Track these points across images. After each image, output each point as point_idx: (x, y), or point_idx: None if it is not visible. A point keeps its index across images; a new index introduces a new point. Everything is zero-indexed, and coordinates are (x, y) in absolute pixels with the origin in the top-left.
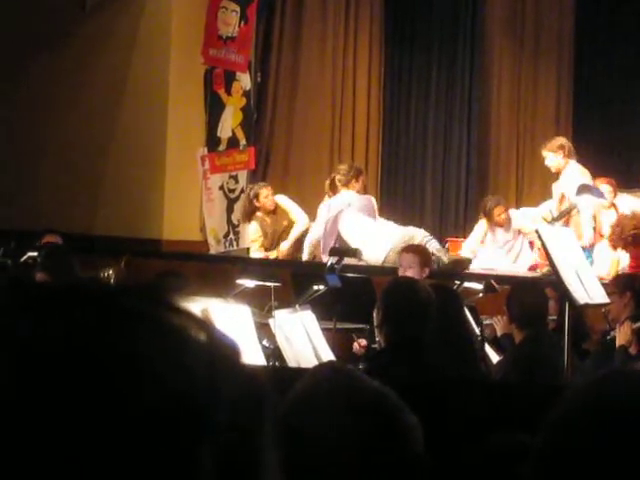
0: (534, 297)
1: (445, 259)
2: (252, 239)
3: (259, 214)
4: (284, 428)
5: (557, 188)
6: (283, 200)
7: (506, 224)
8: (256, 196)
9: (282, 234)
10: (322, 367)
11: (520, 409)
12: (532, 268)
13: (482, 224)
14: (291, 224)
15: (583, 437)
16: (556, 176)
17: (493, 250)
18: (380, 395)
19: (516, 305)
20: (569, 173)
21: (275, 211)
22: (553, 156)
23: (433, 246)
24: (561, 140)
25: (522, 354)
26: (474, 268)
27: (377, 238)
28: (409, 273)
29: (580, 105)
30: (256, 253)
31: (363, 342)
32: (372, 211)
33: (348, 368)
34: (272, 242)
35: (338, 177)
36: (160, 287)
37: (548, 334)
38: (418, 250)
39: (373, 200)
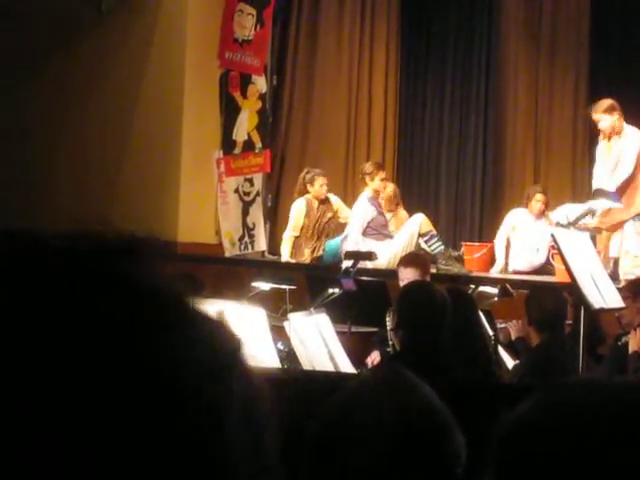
0: (554, 300)
1: (456, 270)
2: (295, 216)
3: (309, 196)
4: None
5: (611, 152)
6: (336, 198)
7: (541, 213)
8: (311, 181)
9: (326, 225)
10: (383, 370)
11: None
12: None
13: (514, 213)
14: (335, 218)
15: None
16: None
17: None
18: (434, 411)
19: (535, 308)
20: (630, 135)
21: (325, 202)
22: (609, 118)
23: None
24: (609, 100)
25: (539, 357)
26: (493, 272)
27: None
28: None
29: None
30: (288, 234)
31: (376, 358)
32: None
33: (409, 376)
34: (314, 231)
35: (365, 169)
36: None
37: (564, 338)
38: (416, 262)
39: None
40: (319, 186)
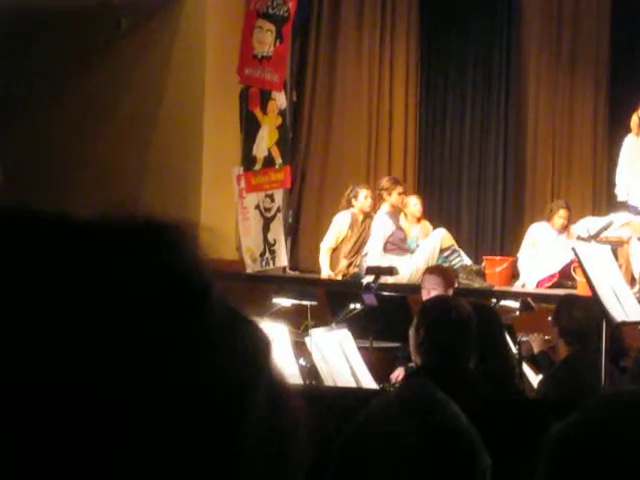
0: (585, 313)
1: (477, 284)
2: (338, 227)
3: (354, 210)
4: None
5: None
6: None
7: (563, 228)
8: (355, 196)
9: (366, 240)
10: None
11: None
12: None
13: (536, 226)
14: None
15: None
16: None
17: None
18: (461, 431)
19: (566, 319)
20: None
21: (370, 215)
22: None
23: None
24: None
25: (568, 369)
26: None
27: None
28: (433, 294)
29: (616, 123)
30: (327, 245)
31: (401, 375)
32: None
33: (436, 394)
34: (355, 244)
35: (383, 184)
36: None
37: (591, 351)
38: (441, 271)
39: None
40: (364, 198)
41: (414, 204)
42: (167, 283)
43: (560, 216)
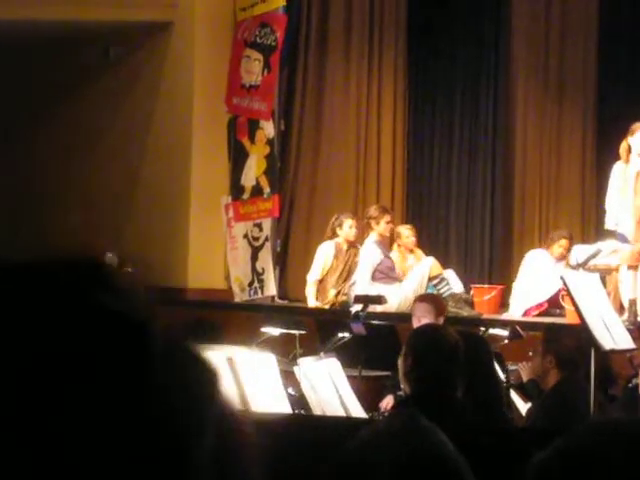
0: (575, 341)
1: (466, 313)
2: (323, 258)
3: (339, 240)
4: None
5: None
6: None
7: (562, 258)
8: (340, 224)
9: (353, 268)
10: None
11: None
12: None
13: (532, 255)
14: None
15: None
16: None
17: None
18: (449, 459)
19: (558, 346)
20: None
21: (355, 244)
22: None
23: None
24: None
25: (557, 397)
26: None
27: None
28: (424, 322)
29: (605, 150)
30: (313, 278)
31: (390, 403)
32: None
33: (424, 422)
34: (342, 273)
35: (371, 213)
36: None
37: (580, 379)
38: (432, 299)
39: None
40: (348, 227)
41: (407, 236)
42: (102, 322)
43: (560, 245)
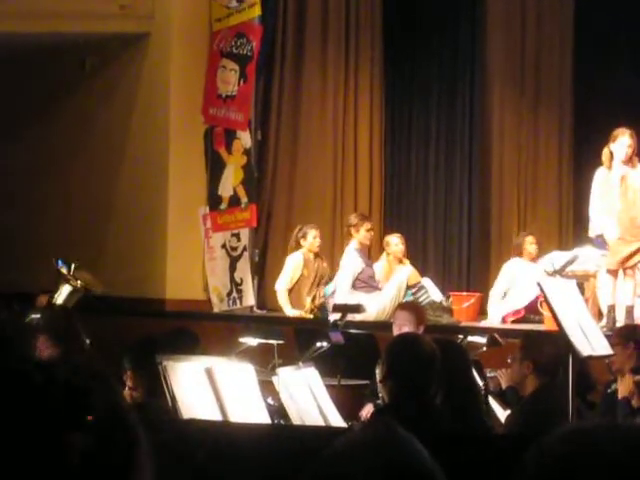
0: (554, 347)
1: (445, 320)
2: (292, 268)
3: (304, 250)
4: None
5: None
6: None
7: (536, 257)
8: (304, 235)
9: (323, 274)
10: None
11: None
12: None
13: (509, 265)
14: (334, 270)
15: None
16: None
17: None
18: (424, 467)
19: (535, 353)
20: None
21: (319, 255)
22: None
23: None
24: None
25: (536, 404)
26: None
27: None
28: (404, 330)
29: (582, 156)
30: (283, 287)
31: (370, 411)
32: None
33: (400, 431)
34: (314, 280)
35: (351, 221)
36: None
37: (558, 386)
38: (413, 308)
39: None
40: (312, 238)
41: (395, 244)
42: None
43: (530, 243)
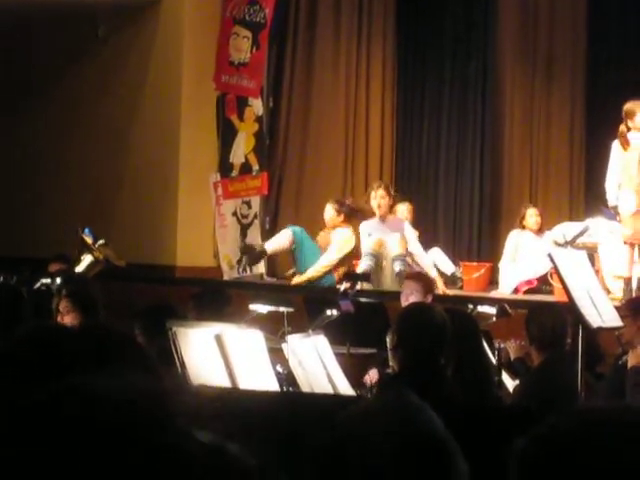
0: (554, 319)
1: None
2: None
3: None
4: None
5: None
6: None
7: (537, 229)
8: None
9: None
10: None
11: None
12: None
13: (512, 235)
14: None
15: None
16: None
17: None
18: (437, 436)
19: (536, 327)
20: None
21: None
22: None
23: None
24: None
25: (541, 377)
26: (493, 293)
27: None
28: (412, 299)
29: (594, 128)
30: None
31: (375, 377)
32: None
33: (413, 399)
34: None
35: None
36: None
37: (566, 357)
38: (421, 277)
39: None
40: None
41: (401, 211)
42: None
43: (531, 215)
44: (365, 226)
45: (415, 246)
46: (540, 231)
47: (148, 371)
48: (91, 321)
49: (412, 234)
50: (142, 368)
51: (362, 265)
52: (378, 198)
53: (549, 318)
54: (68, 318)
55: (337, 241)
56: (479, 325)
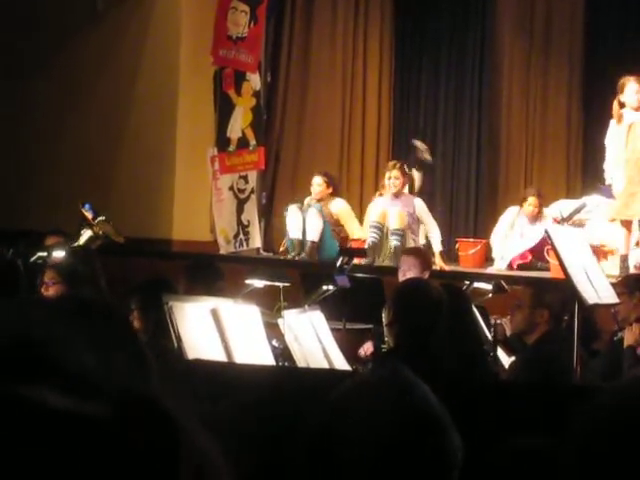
0: (557, 295)
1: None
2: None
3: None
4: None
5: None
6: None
7: (533, 217)
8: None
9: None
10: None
11: (535, 410)
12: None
13: (511, 210)
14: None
15: (614, 442)
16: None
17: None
18: (431, 411)
19: (550, 300)
20: None
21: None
22: None
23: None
24: None
25: (538, 352)
26: (490, 269)
27: None
28: (409, 275)
29: (591, 105)
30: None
31: (370, 349)
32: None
33: (407, 374)
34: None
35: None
36: None
37: (563, 333)
38: (418, 253)
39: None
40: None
41: (388, 177)
42: None
43: (529, 204)
44: (377, 203)
45: (428, 220)
46: (534, 220)
47: (133, 358)
48: (73, 293)
49: (424, 208)
50: (126, 353)
51: (368, 239)
52: (393, 179)
53: (560, 293)
54: (53, 289)
55: (347, 215)
56: (473, 301)
